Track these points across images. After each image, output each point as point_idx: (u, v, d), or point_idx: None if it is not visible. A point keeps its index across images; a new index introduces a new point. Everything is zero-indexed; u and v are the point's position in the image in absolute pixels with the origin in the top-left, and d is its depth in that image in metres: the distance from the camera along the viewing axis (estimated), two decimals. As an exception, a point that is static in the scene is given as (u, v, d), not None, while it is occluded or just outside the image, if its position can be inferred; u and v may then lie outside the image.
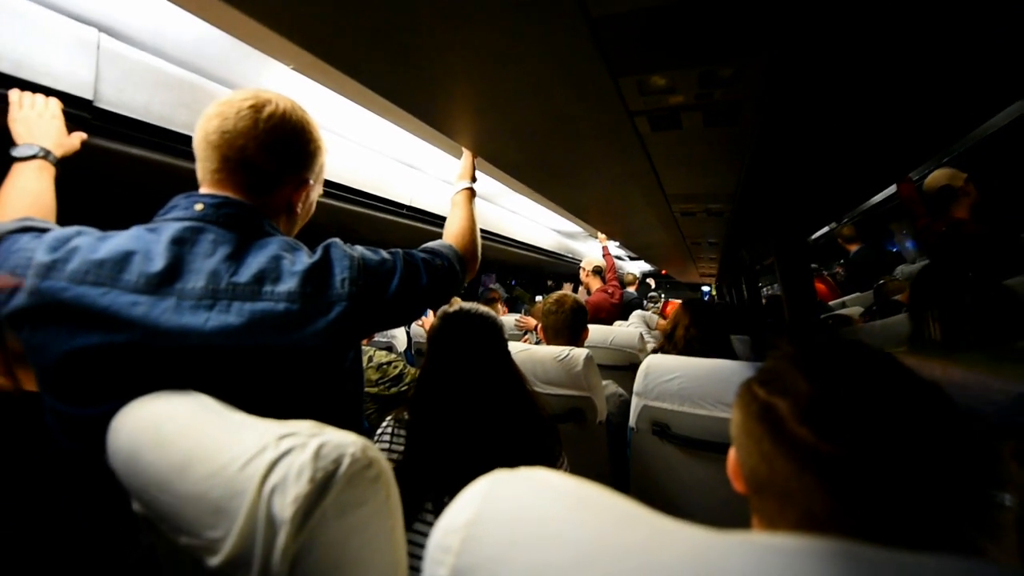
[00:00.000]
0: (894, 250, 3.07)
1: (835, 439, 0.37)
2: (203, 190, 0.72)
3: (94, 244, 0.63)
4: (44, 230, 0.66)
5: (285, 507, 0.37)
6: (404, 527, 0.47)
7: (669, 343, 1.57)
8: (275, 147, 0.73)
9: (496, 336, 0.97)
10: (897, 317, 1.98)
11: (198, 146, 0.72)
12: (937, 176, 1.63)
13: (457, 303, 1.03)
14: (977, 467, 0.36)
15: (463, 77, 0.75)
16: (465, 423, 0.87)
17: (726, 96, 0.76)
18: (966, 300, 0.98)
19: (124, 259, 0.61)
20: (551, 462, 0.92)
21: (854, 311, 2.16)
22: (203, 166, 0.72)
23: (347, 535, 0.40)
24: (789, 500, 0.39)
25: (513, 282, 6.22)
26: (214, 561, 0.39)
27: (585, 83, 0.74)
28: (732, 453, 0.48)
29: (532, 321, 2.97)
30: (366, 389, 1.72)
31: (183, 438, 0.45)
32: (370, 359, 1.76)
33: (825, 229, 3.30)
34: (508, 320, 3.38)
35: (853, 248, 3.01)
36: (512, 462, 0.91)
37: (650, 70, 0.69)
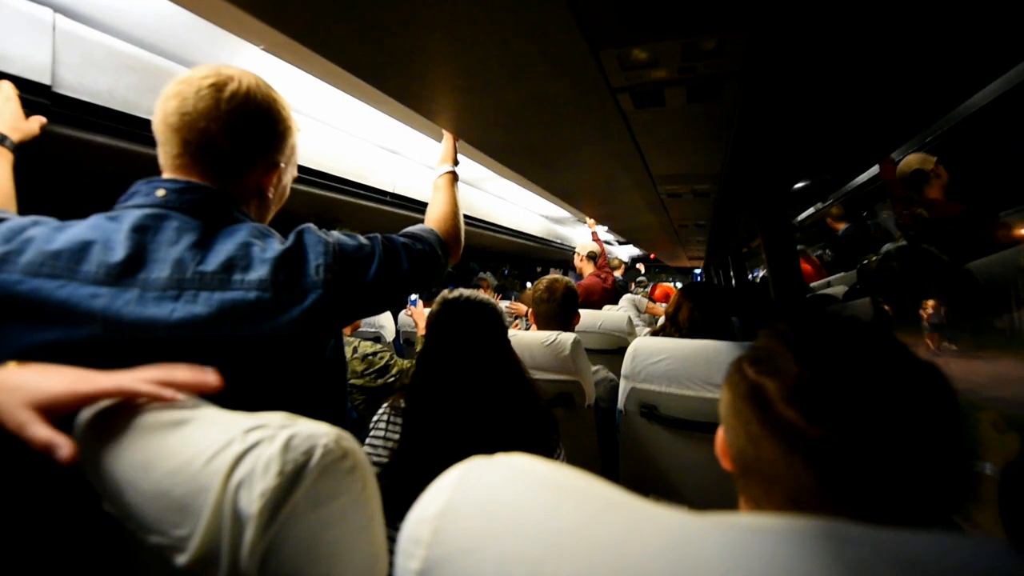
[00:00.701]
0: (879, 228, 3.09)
1: (823, 422, 0.36)
2: (165, 175, 0.69)
3: (50, 234, 0.59)
4: (1, 220, 0.62)
5: (252, 502, 0.36)
6: (384, 518, 0.46)
7: (673, 326, 1.53)
8: (240, 128, 0.68)
9: (496, 323, 0.96)
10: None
11: (157, 129, 0.68)
12: (909, 161, 1.63)
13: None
14: (964, 446, 0.35)
15: (436, 53, 0.72)
16: (464, 410, 0.86)
17: (709, 70, 0.74)
18: (922, 285, 0.98)
19: (82, 249, 0.58)
20: (548, 451, 0.92)
21: (839, 291, 2.18)
22: (164, 151, 0.69)
23: (321, 529, 0.39)
24: (776, 482, 0.39)
25: (507, 272, 6.20)
26: (182, 560, 0.38)
27: (565, 58, 0.72)
28: (720, 432, 0.48)
29: (523, 308, 2.96)
30: (352, 381, 1.69)
31: (146, 434, 0.43)
32: (355, 350, 1.72)
33: (811, 210, 3.32)
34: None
35: (841, 227, 3.03)
36: (509, 450, 0.91)
37: (631, 42, 0.67)
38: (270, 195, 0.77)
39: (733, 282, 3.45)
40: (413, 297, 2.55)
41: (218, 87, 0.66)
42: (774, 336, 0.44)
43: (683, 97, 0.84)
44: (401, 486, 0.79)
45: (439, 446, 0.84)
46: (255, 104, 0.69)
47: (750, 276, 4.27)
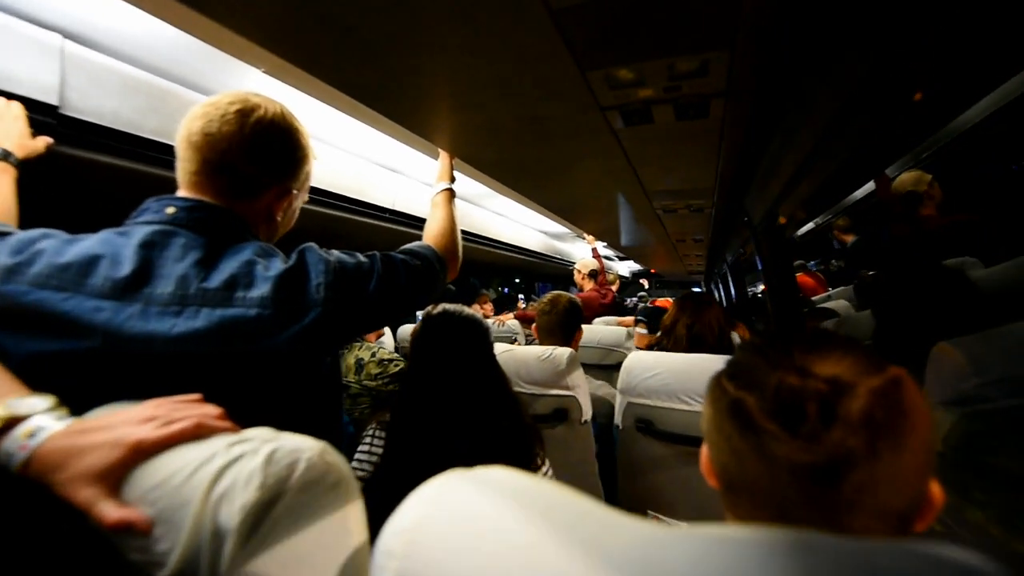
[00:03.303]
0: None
1: (804, 434, 0.36)
2: (180, 193, 0.71)
3: (60, 247, 0.60)
4: (5, 233, 0.64)
5: (232, 516, 0.36)
6: (368, 532, 0.46)
7: (668, 339, 1.48)
8: (260, 153, 0.71)
9: (480, 338, 0.96)
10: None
11: (179, 146, 0.70)
12: (903, 180, 1.65)
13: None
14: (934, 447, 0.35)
15: (429, 75, 0.74)
16: (446, 424, 0.86)
17: (694, 89, 0.76)
18: (921, 299, 0.98)
19: (90, 263, 0.59)
20: (531, 465, 0.91)
21: (839, 305, 2.17)
22: (183, 167, 0.70)
23: (302, 544, 0.39)
24: (761, 496, 0.38)
25: (505, 290, 6.21)
26: (162, 575, 0.38)
27: (554, 79, 0.74)
28: (704, 450, 0.47)
29: (504, 318, 3.00)
30: (365, 383, 1.72)
31: (132, 448, 0.44)
32: (374, 354, 1.76)
33: (810, 225, 3.33)
34: (513, 323, 3.40)
35: (849, 239, 3.02)
36: (491, 464, 0.91)
37: (618, 63, 0.69)
38: (279, 218, 0.79)
39: (733, 295, 3.44)
40: (420, 316, 2.57)
41: (244, 112, 0.69)
42: (751, 350, 0.44)
43: (671, 115, 0.86)
44: (380, 500, 0.78)
45: (420, 460, 0.84)
46: (277, 131, 0.72)
47: (750, 290, 4.26)
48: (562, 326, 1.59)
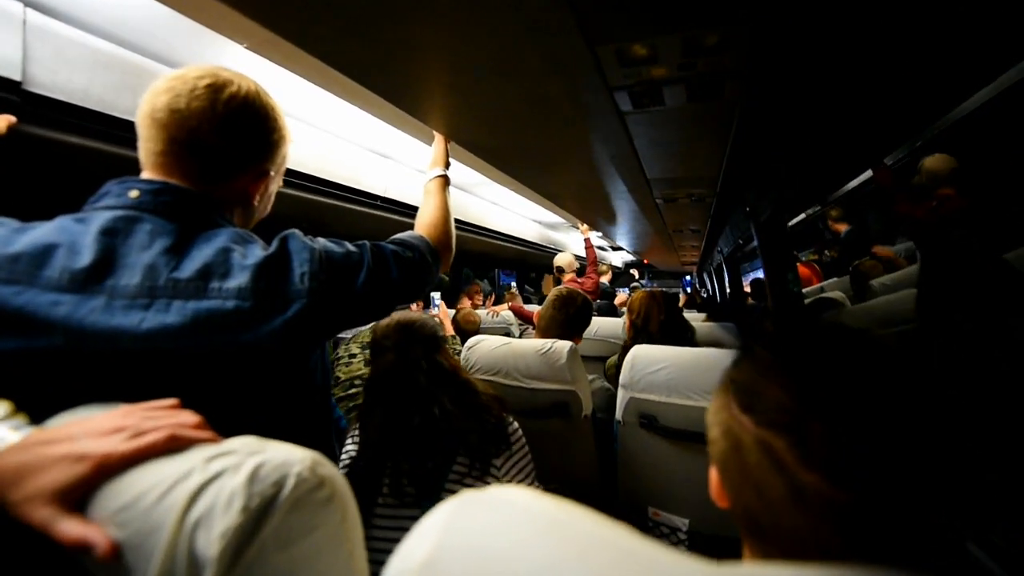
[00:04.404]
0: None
1: (851, 484, 0.31)
2: (144, 175, 0.65)
3: (9, 237, 0.55)
4: None
5: (211, 543, 0.31)
6: (364, 546, 0.42)
7: (643, 335, 1.58)
8: (235, 133, 0.66)
9: (428, 340, 1.00)
10: (878, 300, 1.99)
11: (141, 123, 0.64)
12: (934, 163, 1.61)
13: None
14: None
15: (426, 48, 0.68)
16: (405, 419, 0.92)
17: (710, 67, 0.71)
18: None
19: (44, 253, 0.54)
20: (503, 443, 0.94)
21: (837, 295, 2.16)
22: (146, 147, 0.64)
23: (293, 569, 0.34)
24: (797, 545, 0.33)
25: (503, 280, 6.16)
26: (133, 607, 0.33)
27: (561, 53, 0.68)
28: (715, 475, 0.41)
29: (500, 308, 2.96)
30: (357, 375, 1.68)
31: (98, 462, 0.39)
32: (364, 347, 1.72)
33: (802, 216, 3.33)
34: (507, 314, 3.35)
35: (842, 228, 3.01)
36: (455, 445, 0.90)
37: (630, 37, 0.63)
38: (256, 202, 0.74)
39: (727, 287, 3.44)
40: (436, 300, 2.51)
41: (216, 88, 0.63)
42: (762, 370, 0.37)
43: (683, 96, 0.81)
44: (363, 488, 0.87)
45: (388, 446, 0.90)
46: (253, 110, 0.67)
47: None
48: (573, 325, 1.54)
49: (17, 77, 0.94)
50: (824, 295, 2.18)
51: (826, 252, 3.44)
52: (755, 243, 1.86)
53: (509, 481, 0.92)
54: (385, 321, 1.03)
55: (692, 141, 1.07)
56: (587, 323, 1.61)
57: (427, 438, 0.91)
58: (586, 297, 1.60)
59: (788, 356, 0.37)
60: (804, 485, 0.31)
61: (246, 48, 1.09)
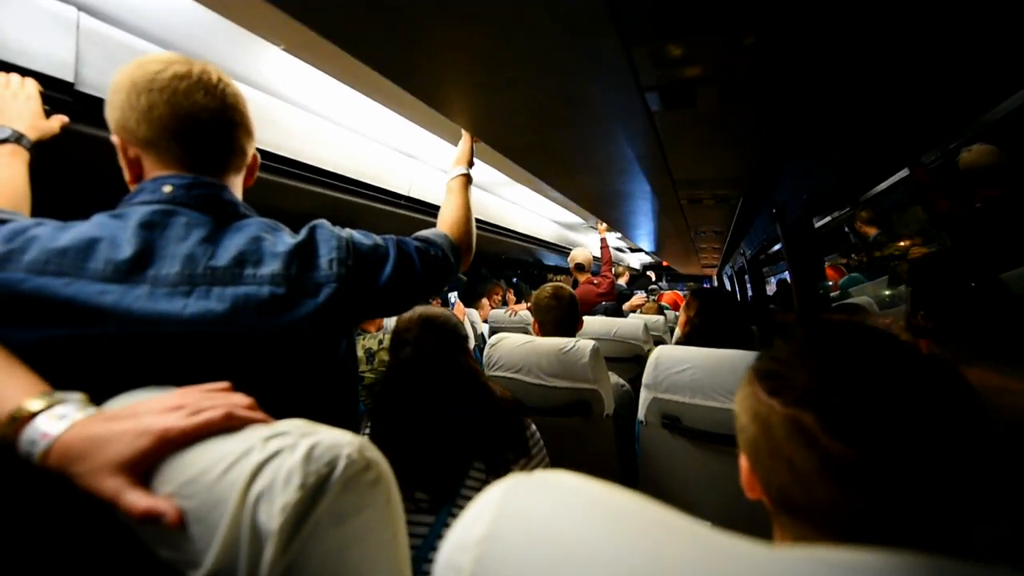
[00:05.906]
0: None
1: (866, 445, 0.34)
2: (169, 171, 0.67)
3: (53, 234, 0.58)
4: (4, 221, 0.61)
5: (272, 517, 0.33)
6: (406, 531, 0.43)
7: (698, 336, 1.38)
8: (242, 121, 0.69)
9: (451, 337, 0.99)
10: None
11: (167, 124, 0.64)
12: (979, 154, 1.52)
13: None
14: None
15: (464, 48, 0.70)
16: (419, 419, 0.90)
17: (747, 68, 0.71)
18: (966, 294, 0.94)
19: (88, 247, 0.57)
20: (522, 449, 0.93)
21: (863, 300, 2.11)
22: (170, 144, 0.66)
23: (344, 546, 0.36)
24: (830, 517, 0.36)
25: (515, 280, 6.16)
26: (196, 575, 0.35)
27: (596, 53, 0.69)
28: (745, 463, 0.44)
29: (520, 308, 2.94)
30: (379, 369, 1.71)
31: (161, 440, 0.41)
32: (381, 342, 1.76)
33: (827, 219, 3.25)
34: (525, 313, 3.31)
35: (872, 231, 2.93)
36: (471, 450, 0.89)
37: (668, 37, 0.64)
38: (248, 184, 0.77)
39: (749, 291, 3.38)
40: (452, 299, 2.55)
41: (218, 81, 0.66)
42: (787, 358, 0.41)
43: (715, 97, 0.81)
44: None
45: (402, 451, 0.87)
46: (237, 95, 0.69)
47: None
48: (568, 319, 1.55)
49: (70, 78, 0.99)
50: (850, 300, 2.13)
51: (853, 256, 3.35)
52: (779, 246, 1.83)
53: None
54: (408, 314, 1.02)
55: (721, 142, 1.07)
56: (579, 313, 1.62)
57: (438, 442, 0.88)
58: (570, 290, 1.61)
59: (811, 345, 0.41)
60: (831, 452, 0.35)
61: (283, 50, 1.13)
